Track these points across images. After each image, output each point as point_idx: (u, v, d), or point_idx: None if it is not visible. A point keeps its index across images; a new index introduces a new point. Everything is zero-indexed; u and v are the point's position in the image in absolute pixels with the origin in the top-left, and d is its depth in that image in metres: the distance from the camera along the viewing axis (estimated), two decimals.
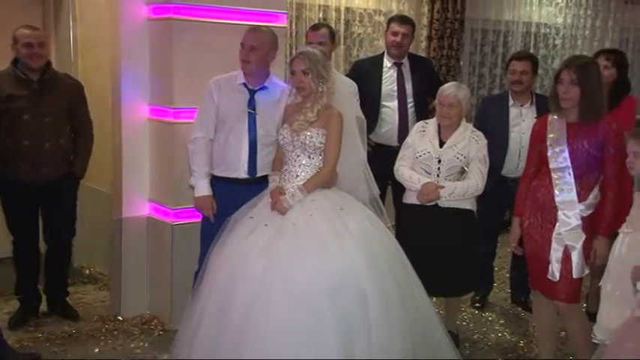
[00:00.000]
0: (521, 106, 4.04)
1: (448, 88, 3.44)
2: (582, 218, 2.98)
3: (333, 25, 5.21)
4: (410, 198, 3.48)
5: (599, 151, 2.95)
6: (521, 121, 4.01)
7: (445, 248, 3.38)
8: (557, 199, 3.01)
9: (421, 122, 3.63)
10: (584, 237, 2.98)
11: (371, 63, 4.48)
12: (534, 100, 4.06)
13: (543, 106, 3.91)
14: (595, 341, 2.84)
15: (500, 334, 3.93)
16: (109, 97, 3.90)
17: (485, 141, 3.46)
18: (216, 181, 3.33)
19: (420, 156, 3.44)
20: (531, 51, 6.56)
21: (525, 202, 3.20)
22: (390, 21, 4.45)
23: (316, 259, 2.66)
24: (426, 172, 3.43)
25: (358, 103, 3.76)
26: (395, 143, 4.19)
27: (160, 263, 3.81)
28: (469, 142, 3.41)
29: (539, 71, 6.70)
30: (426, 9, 5.95)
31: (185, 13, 3.55)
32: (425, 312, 2.95)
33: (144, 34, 3.72)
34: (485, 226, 3.87)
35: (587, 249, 3.00)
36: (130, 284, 3.88)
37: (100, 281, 4.49)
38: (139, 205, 3.85)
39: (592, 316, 4.01)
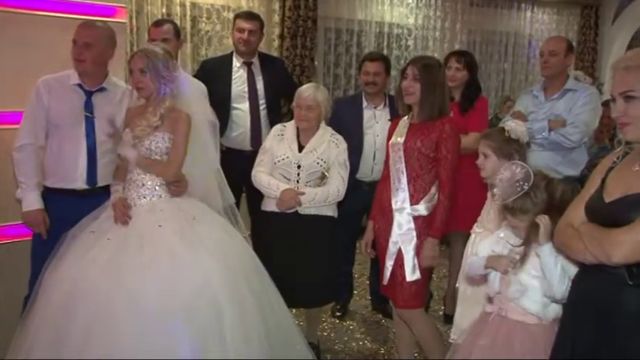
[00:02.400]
0: (375, 107, 4.22)
1: (306, 90, 3.54)
2: (415, 220, 3.17)
3: (178, 22, 5.17)
4: (269, 205, 3.54)
5: (433, 151, 3.14)
6: (375, 123, 4.19)
7: (306, 257, 3.46)
8: (392, 200, 3.21)
9: (279, 125, 3.69)
10: (415, 240, 3.17)
11: (220, 62, 4.50)
12: (387, 102, 4.25)
13: (395, 107, 4.18)
14: (452, 341, 3.08)
15: (361, 343, 4.11)
16: None
17: (345, 145, 3.58)
18: (49, 194, 3.20)
19: (279, 161, 3.50)
20: (385, 51, 6.94)
21: (377, 205, 3.37)
22: (235, 17, 4.50)
23: (167, 273, 2.63)
24: (285, 177, 3.50)
25: (208, 105, 3.78)
26: (248, 147, 4.26)
27: None
28: (329, 146, 3.53)
29: (393, 72, 7.11)
30: (277, 6, 6.07)
31: (6, 3, 3.36)
32: (284, 323, 3.01)
33: None
34: (343, 231, 4.00)
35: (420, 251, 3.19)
36: None
37: None
38: None
39: (450, 319, 4.36)
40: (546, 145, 3.86)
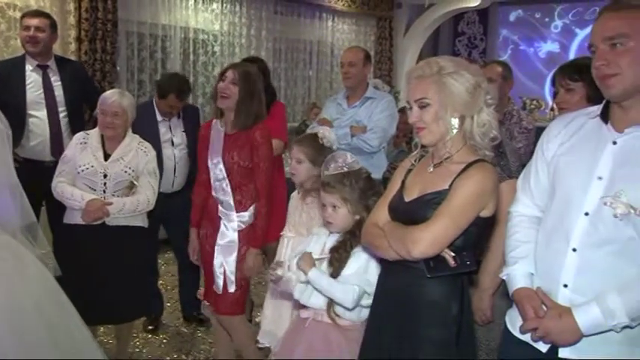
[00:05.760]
0: (169, 120, 4.19)
1: (111, 96, 3.45)
2: (239, 231, 3.23)
3: None
4: (72, 218, 3.40)
5: (250, 162, 3.21)
6: (172, 136, 4.18)
7: (115, 270, 3.37)
8: (219, 209, 3.26)
9: (82, 133, 3.56)
10: (237, 249, 3.23)
11: (10, 66, 4.24)
12: (181, 114, 4.24)
13: (191, 114, 4.21)
14: (260, 346, 3.16)
15: (175, 356, 4.07)
16: None
17: (154, 152, 3.56)
18: None
19: (83, 171, 3.38)
20: (191, 57, 6.95)
21: (199, 211, 3.40)
22: (22, 16, 4.33)
23: None
24: (90, 188, 3.38)
25: None
26: (48, 157, 4.08)
27: None
28: (137, 154, 3.47)
29: (201, 79, 7.13)
30: (72, 7, 5.79)
31: None
32: (86, 349, 2.84)
33: None
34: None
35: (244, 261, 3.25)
36: None
37: None
38: None
39: None
40: (349, 150, 4.10)
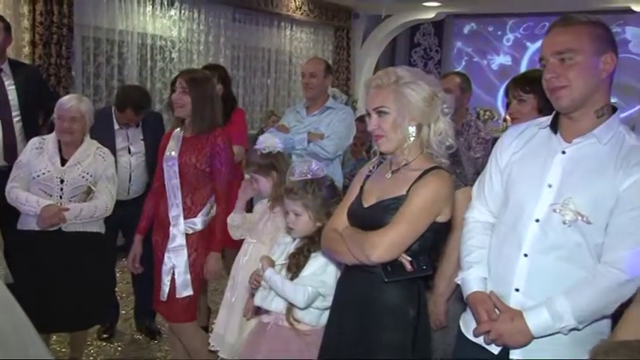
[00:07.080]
0: (127, 128, 4.15)
1: (69, 101, 3.42)
2: (188, 236, 3.22)
3: None
4: (27, 223, 3.35)
5: (208, 166, 3.23)
6: (129, 144, 4.15)
7: (71, 277, 3.34)
8: (169, 214, 3.25)
9: (38, 138, 3.52)
10: (186, 255, 3.22)
11: None
12: (141, 123, 4.20)
13: (152, 122, 4.18)
14: (211, 349, 3.15)
15: None
16: None
17: (112, 158, 3.54)
18: None
19: (38, 176, 3.34)
20: (148, 63, 6.89)
21: (147, 218, 3.40)
22: None
23: None
24: (46, 193, 3.34)
25: None
26: (1, 162, 4.03)
27: None
28: (95, 160, 3.44)
29: (159, 85, 7.08)
30: (26, 10, 5.71)
31: None
32: (36, 354, 2.78)
33: None
34: None
35: (198, 266, 3.25)
36: None
37: None
38: None
39: None
40: (305, 155, 4.14)
